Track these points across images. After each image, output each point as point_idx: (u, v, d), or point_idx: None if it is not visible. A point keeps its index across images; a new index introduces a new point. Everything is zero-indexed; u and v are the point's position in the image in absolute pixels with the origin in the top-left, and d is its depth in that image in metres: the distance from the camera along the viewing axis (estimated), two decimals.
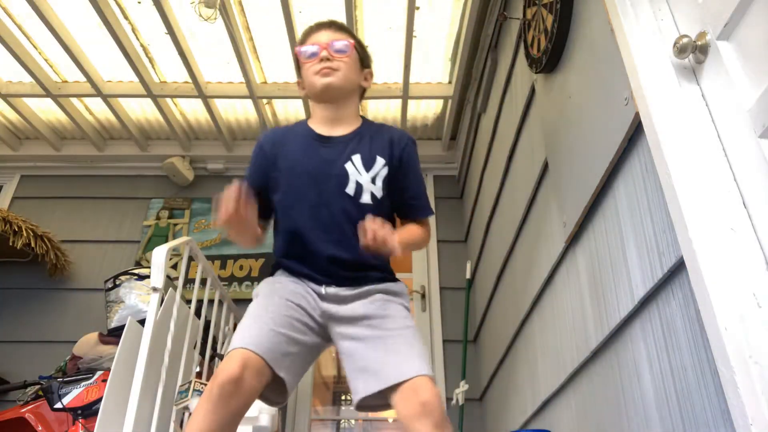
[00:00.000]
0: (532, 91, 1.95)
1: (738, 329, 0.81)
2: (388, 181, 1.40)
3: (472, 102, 3.11)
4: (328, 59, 1.40)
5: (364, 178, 1.38)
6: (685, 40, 1.02)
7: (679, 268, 0.99)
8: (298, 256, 1.38)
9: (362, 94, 1.54)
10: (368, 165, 1.39)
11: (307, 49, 1.44)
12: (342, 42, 1.43)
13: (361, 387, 1.22)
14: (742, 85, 0.94)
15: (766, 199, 0.87)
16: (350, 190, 1.36)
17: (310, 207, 1.36)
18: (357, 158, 1.39)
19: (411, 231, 1.44)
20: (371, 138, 1.44)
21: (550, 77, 1.73)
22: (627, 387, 1.22)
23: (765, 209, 0.87)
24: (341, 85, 1.42)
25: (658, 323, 1.09)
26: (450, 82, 3.19)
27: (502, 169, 2.35)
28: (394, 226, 1.44)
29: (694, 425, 0.95)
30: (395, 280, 1.43)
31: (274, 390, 1.27)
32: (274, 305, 1.28)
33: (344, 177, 1.37)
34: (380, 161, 1.40)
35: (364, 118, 1.53)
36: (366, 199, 1.37)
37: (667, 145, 1.00)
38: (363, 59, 1.50)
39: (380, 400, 1.21)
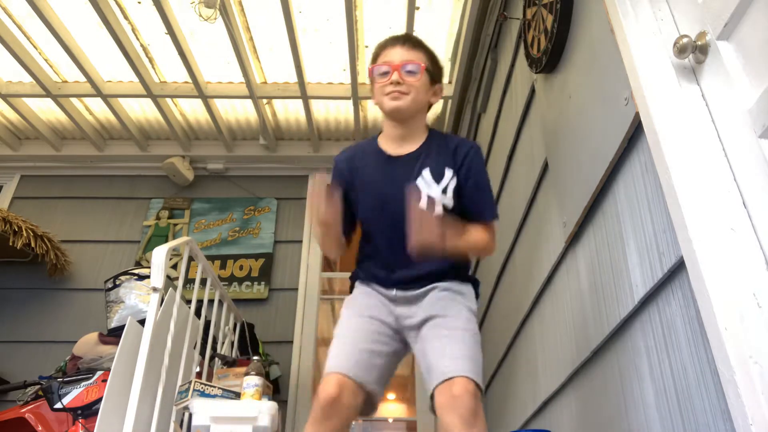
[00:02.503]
0: (532, 91, 1.95)
1: (738, 329, 0.81)
2: (457, 191, 1.42)
3: (472, 102, 3.11)
4: (398, 83, 1.41)
5: (435, 190, 1.40)
6: (685, 40, 1.02)
7: (679, 268, 0.99)
8: (372, 268, 1.49)
9: (429, 107, 1.55)
10: (438, 177, 1.42)
11: (379, 68, 1.44)
12: (413, 65, 1.43)
13: (428, 387, 1.30)
14: (742, 85, 0.94)
15: (766, 199, 0.87)
16: (422, 204, 1.38)
17: (385, 226, 1.44)
18: (426, 172, 1.42)
19: (472, 232, 1.40)
20: (438, 149, 1.46)
21: (550, 77, 1.73)
22: (627, 387, 1.22)
23: (765, 209, 0.87)
24: (409, 108, 1.44)
25: (658, 323, 1.09)
26: (450, 82, 3.19)
27: (502, 169, 2.35)
28: None
29: (694, 425, 0.95)
30: (464, 281, 1.48)
31: (366, 402, 1.36)
32: (355, 324, 1.41)
33: (417, 193, 1.39)
34: (449, 173, 1.42)
35: (430, 129, 1.53)
36: (438, 211, 1.39)
37: (667, 145, 1.00)
38: (433, 76, 1.50)
39: None
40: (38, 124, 3.53)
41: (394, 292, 1.44)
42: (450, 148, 1.46)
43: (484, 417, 1.22)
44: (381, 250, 1.47)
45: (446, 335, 1.33)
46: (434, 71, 1.50)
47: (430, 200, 1.39)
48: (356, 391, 1.30)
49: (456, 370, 1.23)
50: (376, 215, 1.45)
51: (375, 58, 1.49)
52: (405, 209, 1.35)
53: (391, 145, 1.48)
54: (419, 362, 1.38)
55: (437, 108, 3.46)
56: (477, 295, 1.50)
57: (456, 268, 1.47)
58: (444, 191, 1.40)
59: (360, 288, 1.52)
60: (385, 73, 1.42)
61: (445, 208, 1.40)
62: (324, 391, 1.27)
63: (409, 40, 1.48)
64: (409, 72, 1.42)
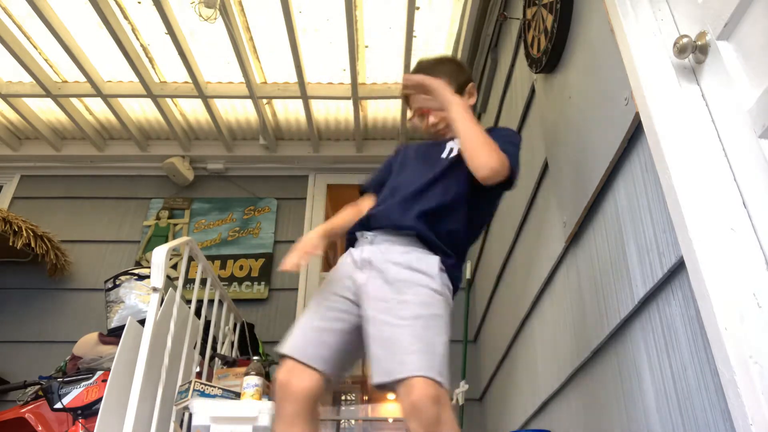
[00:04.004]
0: (532, 91, 1.95)
1: (738, 329, 0.81)
2: None
3: None
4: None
5: (452, 143, 1.52)
6: (685, 40, 1.02)
7: (679, 268, 0.99)
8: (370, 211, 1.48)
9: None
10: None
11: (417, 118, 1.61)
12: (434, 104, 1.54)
13: (371, 375, 1.25)
14: (742, 85, 0.94)
15: (766, 199, 0.87)
16: (444, 155, 1.51)
17: (400, 175, 1.53)
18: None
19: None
20: None
21: (550, 77, 1.73)
22: (627, 387, 1.22)
23: (765, 209, 0.87)
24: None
25: (658, 323, 1.09)
26: None
27: None
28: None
29: (694, 425, 0.95)
30: (435, 253, 1.34)
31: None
32: (316, 301, 1.41)
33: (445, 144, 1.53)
34: None
35: None
36: (454, 153, 1.48)
37: (667, 145, 1.00)
38: (461, 86, 1.56)
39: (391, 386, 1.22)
40: (38, 124, 3.53)
41: (367, 242, 1.39)
42: None
43: (450, 417, 1.14)
44: (386, 197, 1.49)
45: (396, 324, 1.21)
46: (459, 82, 1.56)
47: (450, 149, 1.51)
48: (303, 372, 1.28)
49: (409, 369, 1.14)
50: (397, 168, 1.56)
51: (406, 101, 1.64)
52: (426, 167, 1.48)
53: None
54: (365, 340, 1.27)
55: None
56: (455, 267, 1.39)
57: (433, 229, 1.37)
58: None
59: (339, 260, 1.48)
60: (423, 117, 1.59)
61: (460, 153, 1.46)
62: (276, 379, 1.30)
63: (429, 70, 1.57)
64: (436, 109, 1.53)
